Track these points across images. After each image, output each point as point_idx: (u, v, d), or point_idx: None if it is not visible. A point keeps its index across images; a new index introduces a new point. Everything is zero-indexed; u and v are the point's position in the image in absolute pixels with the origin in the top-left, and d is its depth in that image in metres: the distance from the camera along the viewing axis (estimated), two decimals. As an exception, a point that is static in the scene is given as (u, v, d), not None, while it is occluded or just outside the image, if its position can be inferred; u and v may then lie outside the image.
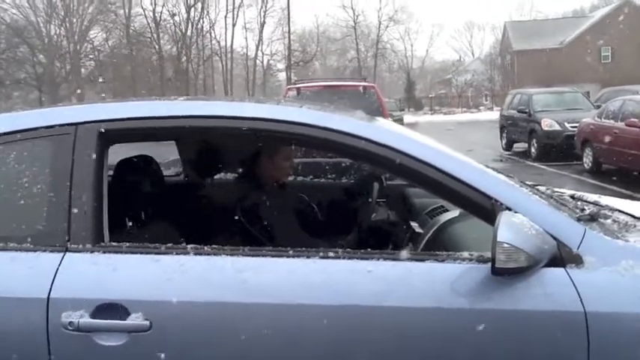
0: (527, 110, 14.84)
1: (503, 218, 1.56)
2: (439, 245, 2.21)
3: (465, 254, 1.70)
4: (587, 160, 11.72)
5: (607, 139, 10.75)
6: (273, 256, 1.71)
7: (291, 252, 1.71)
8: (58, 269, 1.68)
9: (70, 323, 1.61)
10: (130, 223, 2.06)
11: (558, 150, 13.08)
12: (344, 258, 1.70)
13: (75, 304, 1.64)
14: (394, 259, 1.70)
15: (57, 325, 1.62)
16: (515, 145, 15.60)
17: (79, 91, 37.15)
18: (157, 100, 2.00)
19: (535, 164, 13.06)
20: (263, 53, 49.96)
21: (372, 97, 8.91)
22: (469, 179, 1.74)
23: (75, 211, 1.73)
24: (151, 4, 45.50)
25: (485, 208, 1.72)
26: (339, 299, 1.64)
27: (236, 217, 2.33)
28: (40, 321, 1.63)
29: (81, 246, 1.71)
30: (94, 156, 1.79)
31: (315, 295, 1.65)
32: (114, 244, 1.74)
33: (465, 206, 1.80)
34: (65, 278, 1.67)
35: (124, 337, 1.62)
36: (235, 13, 48.38)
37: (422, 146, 1.82)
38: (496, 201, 1.70)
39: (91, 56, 45.42)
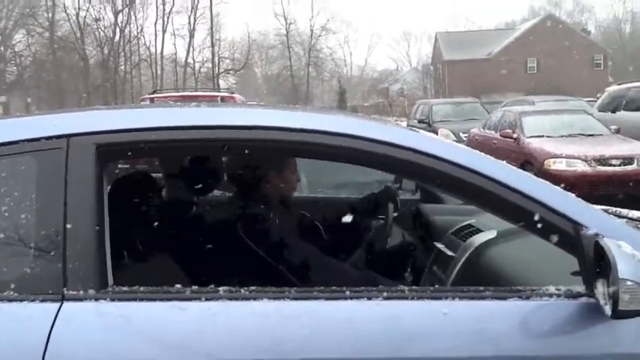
0: (427, 120, 15.09)
1: (614, 249, 1.31)
2: (477, 271, 1.96)
3: (552, 289, 1.44)
4: None
5: (488, 149, 10.84)
6: (326, 298, 1.39)
7: (347, 292, 1.40)
8: (53, 324, 1.30)
9: None
10: (127, 256, 1.69)
11: None
12: (412, 298, 1.41)
13: None
14: (471, 298, 1.42)
15: None
16: None
17: (2, 98, 35.01)
18: (171, 106, 1.64)
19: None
20: (194, 60, 49.01)
21: None
22: (548, 200, 1.49)
23: (71, 247, 1.36)
24: (75, 8, 43.84)
25: (567, 234, 1.47)
26: (413, 351, 1.34)
27: (244, 240, 1.99)
28: None
29: (82, 292, 1.34)
30: (93, 176, 1.43)
31: (382, 348, 1.34)
32: (124, 288, 1.38)
33: (541, 231, 1.54)
34: (64, 336, 1.29)
35: None
36: (165, 19, 47.31)
37: (492, 163, 1.57)
38: (580, 225, 1.46)
39: (12, 62, 43.15)
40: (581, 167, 8.26)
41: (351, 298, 1.38)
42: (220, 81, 41.70)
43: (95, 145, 1.45)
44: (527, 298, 1.42)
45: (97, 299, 1.34)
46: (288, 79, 49.57)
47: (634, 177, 8.04)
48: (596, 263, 1.38)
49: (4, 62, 41.50)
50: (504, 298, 1.42)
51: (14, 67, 43.15)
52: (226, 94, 9.48)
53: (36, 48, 43.76)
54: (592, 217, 1.49)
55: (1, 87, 39.59)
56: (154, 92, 11.11)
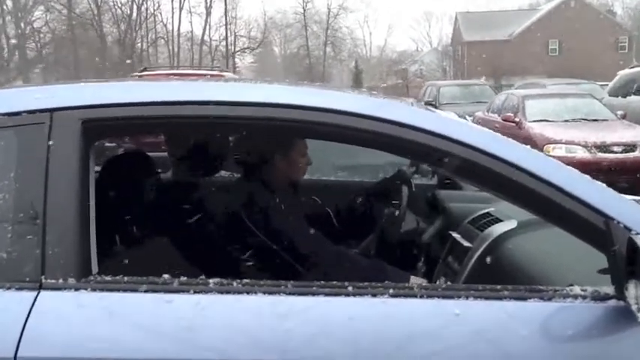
0: (434, 102, 14.89)
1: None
2: (495, 264, 1.83)
3: (577, 289, 1.31)
4: None
5: None
6: (326, 294, 1.27)
7: (350, 288, 1.27)
8: (28, 315, 1.19)
9: None
10: (119, 242, 1.58)
11: None
12: (422, 296, 1.28)
13: None
14: (486, 298, 1.29)
15: None
16: None
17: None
18: (165, 81, 1.52)
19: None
20: (211, 39, 48.75)
21: None
22: (575, 189, 1.35)
23: (51, 231, 1.25)
24: (92, -16, 43.63)
25: (596, 228, 1.32)
26: (420, 356, 1.22)
27: (248, 225, 1.88)
28: None
29: (61, 281, 1.23)
30: (78, 154, 1.31)
31: (386, 351, 1.22)
32: (107, 277, 1.27)
33: (566, 223, 1.40)
34: (39, 328, 1.19)
35: None
36: (182, -4, 47.02)
37: (512, 146, 1.43)
38: (611, 219, 1.31)
39: (31, 38, 43.24)
40: (580, 153, 7.95)
41: (353, 295, 1.26)
42: (236, 59, 41.43)
43: (81, 120, 1.33)
44: (550, 299, 1.29)
45: (77, 289, 1.23)
46: (305, 59, 49.22)
47: (636, 164, 7.68)
48: (628, 262, 1.24)
49: (24, 39, 41.60)
50: (524, 299, 1.29)
51: (33, 44, 43.25)
52: (216, 73, 9.36)
53: (54, 24, 43.77)
54: (625, 209, 1.34)
55: (20, 64, 39.71)
56: (143, 70, 11.05)
